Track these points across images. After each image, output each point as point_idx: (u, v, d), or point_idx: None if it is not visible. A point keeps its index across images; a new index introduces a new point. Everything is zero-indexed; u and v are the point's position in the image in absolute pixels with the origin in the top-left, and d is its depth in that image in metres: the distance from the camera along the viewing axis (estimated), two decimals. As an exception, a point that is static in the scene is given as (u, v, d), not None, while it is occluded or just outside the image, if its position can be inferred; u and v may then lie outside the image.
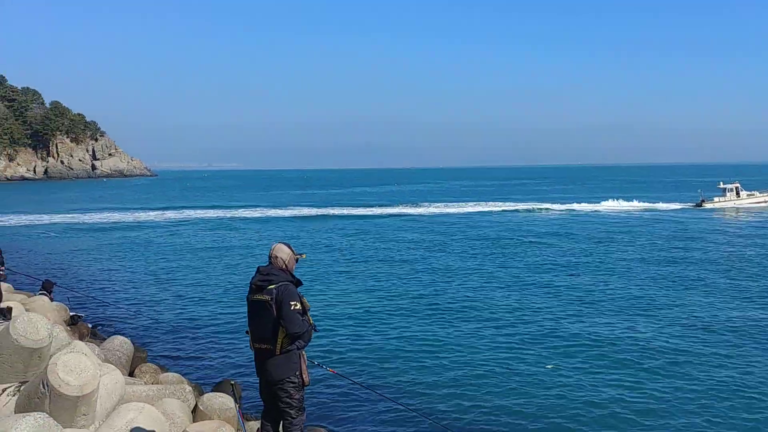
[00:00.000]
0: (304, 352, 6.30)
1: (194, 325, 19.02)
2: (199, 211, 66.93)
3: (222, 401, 10.02)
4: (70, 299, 18.68)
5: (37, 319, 9.37)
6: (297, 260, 6.45)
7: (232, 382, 7.92)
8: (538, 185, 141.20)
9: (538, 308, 20.26)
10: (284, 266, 6.29)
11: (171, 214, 63.30)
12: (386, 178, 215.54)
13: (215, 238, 42.59)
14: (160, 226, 51.46)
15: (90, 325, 18.04)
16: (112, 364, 11.09)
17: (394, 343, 16.54)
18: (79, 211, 65.85)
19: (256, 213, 64.53)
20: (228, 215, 61.94)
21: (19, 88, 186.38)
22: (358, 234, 43.65)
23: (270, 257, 6.35)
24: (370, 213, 62.95)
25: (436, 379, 13.90)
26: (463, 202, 79.35)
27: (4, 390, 8.12)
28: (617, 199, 72.94)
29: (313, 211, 65.50)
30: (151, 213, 64.85)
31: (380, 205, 74.11)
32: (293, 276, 6.30)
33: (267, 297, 6.09)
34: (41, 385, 7.64)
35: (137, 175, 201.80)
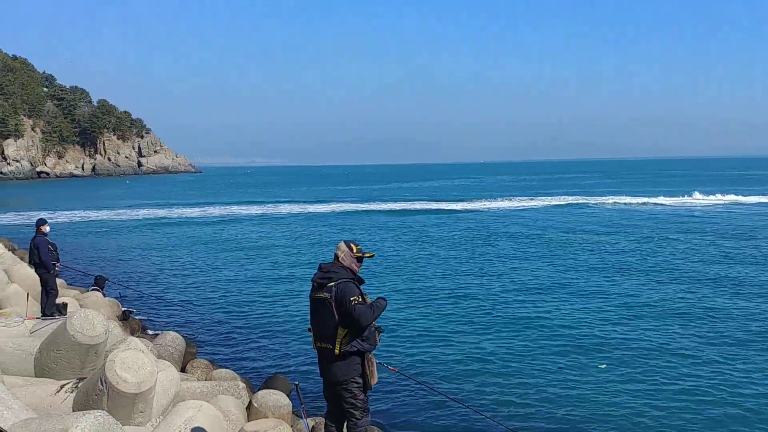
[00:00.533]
0: (371, 355, 6.12)
1: (242, 320, 19.03)
2: (244, 207, 67.48)
3: (276, 398, 9.89)
4: (122, 294, 18.84)
5: (93, 316, 9.38)
6: (361, 259, 6.31)
7: (296, 383, 7.76)
8: (585, 179, 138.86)
9: (609, 311, 19.77)
10: (342, 263, 6.17)
11: (216, 210, 63.99)
12: (426, 174, 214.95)
13: (261, 233, 42.82)
14: (206, 222, 51.97)
15: (140, 320, 18.23)
16: (165, 359, 11.09)
17: (444, 343, 16.28)
18: (127, 207, 67.04)
19: (299, 208, 64.80)
20: (273, 211, 62.33)
21: (68, 87, 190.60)
22: (401, 229, 43.44)
23: (334, 255, 6.26)
24: (412, 208, 62.66)
25: (489, 377, 13.62)
26: (533, 196, 77.79)
27: (62, 386, 8.12)
28: (688, 193, 70.76)
29: (356, 206, 65.50)
30: (197, 209, 65.64)
31: (422, 200, 73.86)
32: (354, 274, 6.16)
33: (326, 294, 5.96)
34: (99, 382, 7.59)
35: (182, 172, 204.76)
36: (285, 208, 65.06)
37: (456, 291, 22.46)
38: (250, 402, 9.90)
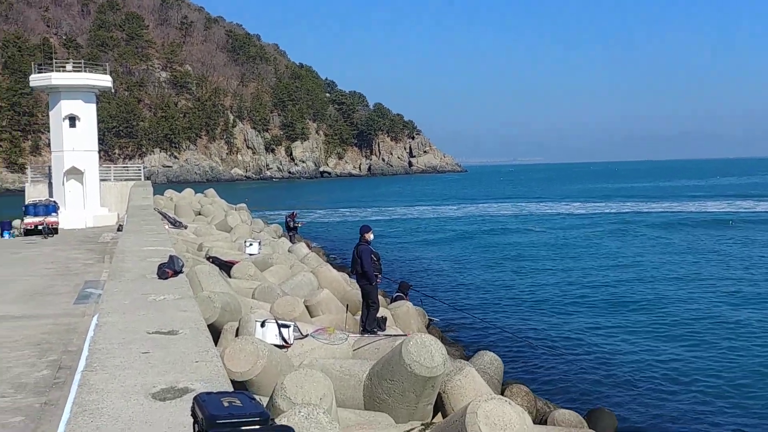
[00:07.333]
0: None
1: (550, 342, 16.93)
2: (526, 205, 65.82)
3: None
4: (422, 301, 17.75)
5: (431, 343, 7.94)
6: None
7: None
8: None
9: None
10: None
11: (499, 208, 63.14)
12: (706, 170, 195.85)
13: (570, 237, 40.20)
14: (505, 223, 50.64)
15: (441, 330, 17.01)
16: (485, 384, 9.44)
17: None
18: (423, 204, 69.38)
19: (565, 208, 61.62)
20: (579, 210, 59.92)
21: (347, 92, 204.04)
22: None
23: None
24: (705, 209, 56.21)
25: None
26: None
27: (406, 432, 6.72)
28: None
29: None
30: (473, 205, 65.55)
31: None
32: None
33: None
34: (457, 438, 6.02)
35: (448, 171, 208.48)
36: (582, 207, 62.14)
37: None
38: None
